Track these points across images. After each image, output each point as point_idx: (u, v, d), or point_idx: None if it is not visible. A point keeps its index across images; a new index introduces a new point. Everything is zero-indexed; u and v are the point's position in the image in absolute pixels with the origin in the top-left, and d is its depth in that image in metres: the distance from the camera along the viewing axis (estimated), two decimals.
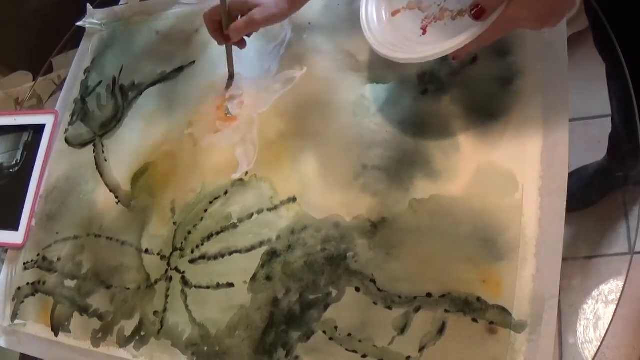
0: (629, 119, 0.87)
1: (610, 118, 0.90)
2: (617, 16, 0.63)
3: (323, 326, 0.56)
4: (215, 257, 0.65)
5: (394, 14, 0.59)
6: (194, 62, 0.80)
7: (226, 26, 0.68)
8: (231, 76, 0.75)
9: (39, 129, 0.87)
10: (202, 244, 0.66)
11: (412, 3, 0.59)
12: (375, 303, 0.55)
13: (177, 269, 0.67)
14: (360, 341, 0.54)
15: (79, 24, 0.93)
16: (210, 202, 0.68)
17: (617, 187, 0.98)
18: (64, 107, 0.89)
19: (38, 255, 0.78)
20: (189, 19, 0.85)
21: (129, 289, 0.69)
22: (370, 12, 0.60)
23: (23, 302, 0.77)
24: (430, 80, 0.63)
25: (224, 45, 0.72)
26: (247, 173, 0.68)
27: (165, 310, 0.65)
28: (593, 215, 0.99)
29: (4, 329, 0.76)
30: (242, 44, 0.71)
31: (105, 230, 0.74)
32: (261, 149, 0.69)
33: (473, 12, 0.47)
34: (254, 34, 0.75)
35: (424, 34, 0.56)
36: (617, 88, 0.81)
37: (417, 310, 0.53)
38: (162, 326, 0.65)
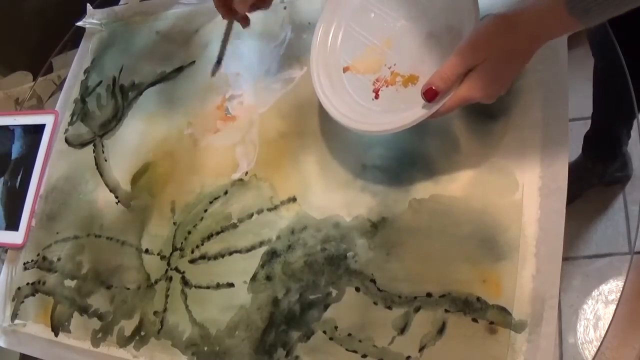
0: (610, 117, 0.88)
1: None
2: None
3: (323, 326, 0.56)
4: (215, 257, 0.65)
5: (345, 70, 0.59)
6: (194, 62, 0.80)
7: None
8: (219, 61, 0.74)
9: (39, 129, 0.87)
10: (202, 244, 0.66)
11: (365, 65, 0.58)
12: (375, 303, 0.55)
13: (177, 269, 0.67)
14: (360, 341, 0.54)
15: (79, 24, 0.93)
16: (210, 202, 0.68)
17: (592, 186, 0.98)
18: (64, 107, 0.89)
19: (38, 255, 0.78)
20: (189, 19, 0.85)
21: (129, 289, 0.69)
22: (322, 69, 0.60)
23: (23, 302, 0.77)
24: None
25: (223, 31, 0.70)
26: (247, 173, 0.68)
27: (165, 310, 0.65)
28: (593, 216, 0.99)
29: (4, 329, 0.76)
30: (245, 20, 0.69)
31: (105, 230, 0.74)
32: (261, 148, 0.69)
33: (426, 94, 0.48)
34: (252, 33, 0.75)
35: (376, 97, 0.56)
36: (607, 86, 0.81)
37: (417, 310, 0.53)
38: (162, 326, 0.65)
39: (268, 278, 0.61)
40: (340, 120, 0.56)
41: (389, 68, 0.57)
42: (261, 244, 0.63)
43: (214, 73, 0.75)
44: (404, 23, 0.57)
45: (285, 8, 0.77)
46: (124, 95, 0.84)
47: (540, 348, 0.48)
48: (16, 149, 0.88)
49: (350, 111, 0.56)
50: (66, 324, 0.72)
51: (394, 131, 0.52)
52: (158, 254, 0.69)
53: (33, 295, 0.76)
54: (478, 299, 0.51)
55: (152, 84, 0.82)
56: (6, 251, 0.82)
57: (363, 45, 0.59)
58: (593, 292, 0.82)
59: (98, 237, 0.74)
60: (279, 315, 0.59)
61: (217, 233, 0.66)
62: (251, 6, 0.65)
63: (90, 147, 0.82)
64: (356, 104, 0.57)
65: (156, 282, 0.67)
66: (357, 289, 0.56)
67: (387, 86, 0.56)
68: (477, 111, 0.59)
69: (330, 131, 0.65)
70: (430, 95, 0.48)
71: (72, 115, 0.87)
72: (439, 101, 0.49)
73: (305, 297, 0.58)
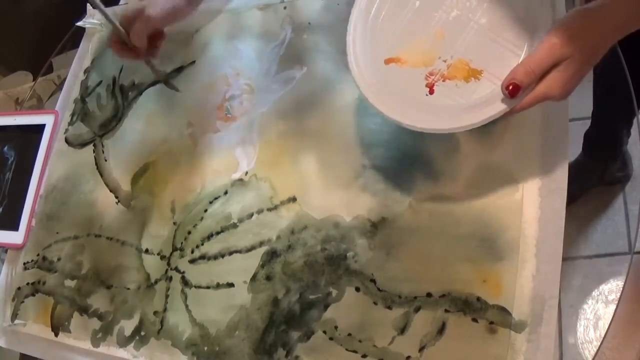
0: (610, 117, 0.87)
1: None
2: None
3: (323, 326, 0.56)
4: (215, 257, 0.65)
5: (387, 62, 0.53)
6: (194, 62, 0.80)
7: (127, 39, 0.64)
8: (166, 83, 0.74)
9: (39, 129, 0.87)
10: (202, 244, 0.66)
11: (414, 57, 0.52)
12: (375, 303, 0.55)
13: (177, 269, 0.67)
14: (360, 341, 0.54)
15: (79, 24, 0.93)
16: (210, 202, 0.68)
17: (592, 186, 0.98)
18: (64, 107, 0.89)
19: (38, 255, 0.78)
20: (188, 19, 0.84)
21: (129, 289, 0.69)
22: (362, 60, 0.53)
23: (23, 302, 0.77)
24: None
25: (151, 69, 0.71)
26: (247, 173, 0.68)
27: (165, 310, 0.65)
28: (593, 216, 0.99)
29: (4, 329, 0.76)
30: (153, 52, 0.67)
31: (105, 230, 0.74)
32: (261, 148, 0.69)
33: (509, 89, 0.46)
34: (252, 33, 0.75)
35: (430, 93, 0.51)
36: (608, 84, 0.81)
37: (417, 310, 0.53)
38: (162, 326, 0.65)
39: (268, 278, 0.61)
40: (393, 118, 0.50)
41: (445, 61, 0.51)
42: (261, 244, 0.63)
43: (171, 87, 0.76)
44: (458, 13, 0.52)
45: (285, 8, 0.77)
46: (124, 95, 0.84)
47: (540, 348, 0.48)
48: (16, 149, 0.88)
49: (403, 107, 0.51)
50: (66, 324, 0.72)
51: (466, 129, 0.48)
52: (158, 254, 0.69)
53: (33, 295, 0.76)
54: (478, 299, 0.51)
55: (152, 84, 0.82)
56: (6, 251, 0.82)
57: (409, 36, 0.53)
58: (593, 292, 0.81)
59: (98, 237, 0.74)
60: (279, 315, 0.59)
61: (217, 233, 0.66)
62: (150, 42, 0.65)
63: (90, 147, 0.82)
64: (407, 100, 0.51)
65: (156, 282, 0.67)
66: (357, 289, 0.56)
67: (443, 80, 0.51)
68: None
69: (330, 131, 0.65)
70: (513, 90, 0.46)
71: (72, 115, 0.87)
72: (520, 97, 0.46)
73: (305, 297, 0.58)
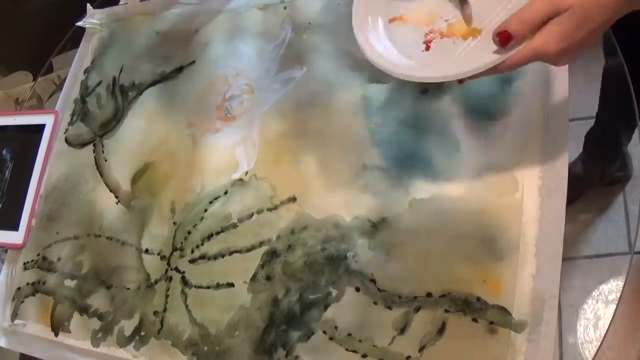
0: (616, 117, 0.87)
1: None
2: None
3: (323, 326, 0.56)
4: (215, 257, 0.65)
5: (391, 20, 0.55)
6: (194, 62, 0.80)
7: None
8: None
9: (39, 129, 0.87)
10: (202, 244, 0.66)
11: (417, 17, 0.54)
12: (375, 303, 0.55)
13: (177, 269, 0.67)
14: (360, 341, 0.54)
15: (79, 24, 0.93)
16: (210, 202, 0.68)
17: (592, 186, 0.98)
18: (64, 107, 0.89)
19: (38, 255, 0.78)
20: (188, 19, 0.85)
21: (129, 289, 0.69)
22: (364, 17, 0.55)
23: (23, 302, 0.77)
24: None
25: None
26: (247, 173, 0.68)
27: (165, 310, 0.65)
28: (593, 216, 0.99)
29: (4, 329, 0.76)
30: None
31: (105, 230, 0.74)
32: (261, 148, 0.69)
33: (499, 37, 0.44)
34: (252, 33, 0.75)
35: (427, 49, 0.52)
36: (613, 84, 0.81)
37: (417, 310, 0.53)
38: (162, 326, 0.65)
39: (268, 278, 0.61)
40: (382, 65, 0.51)
41: (446, 20, 0.52)
42: (261, 244, 0.63)
43: None
44: None
45: (285, 8, 0.77)
46: (124, 95, 0.84)
47: (540, 348, 0.48)
48: (16, 149, 0.89)
49: (396, 58, 0.51)
50: (66, 324, 0.72)
51: (453, 78, 0.47)
52: (158, 254, 0.69)
53: (33, 295, 0.76)
54: (478, 298, 0.51)
55: (152, 84, 0.82)
56: (6, 251, 0.82)
57: None
58: (593, 292, 0.81)
59: (98, 237, 0.74)
60: (279, 315, 0.59)
61: (217, 233, 0.66)
62: None
63: (90, 147, 0.82)
64: (402, 53, 0.52)
65: (156, 282, 0.67)
66: (357, 289, 0.56)
67: (441, 38, 0.51)
68: (477, 111, 0.59)
69: (330, 131, 0.65)
70: (504, 38, 0.44)
71: (72, 115, 0.87)
72: (511, 48, 0.44)
73: (305, 297, 0.58)
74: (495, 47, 0.45)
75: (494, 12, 0.49)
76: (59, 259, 0.76)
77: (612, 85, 0.82)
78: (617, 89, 0.81)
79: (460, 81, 0.49)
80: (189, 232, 0.68)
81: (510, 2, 0.48)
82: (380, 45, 0.53)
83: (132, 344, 0.66)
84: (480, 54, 0.47)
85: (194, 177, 0.71)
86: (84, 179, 0.80)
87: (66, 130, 0.86)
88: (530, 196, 0.53)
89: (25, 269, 0.79)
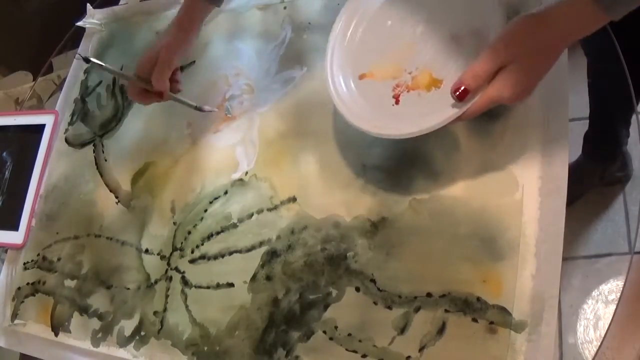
0: (609, 117, 0.88)
1: None
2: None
3: (323, 326, 0.56)
4: (215, 257, 0.65)
5: (361, 77, 0.58)
6: (194, 62, 0.80)
7: (148, 86, 0.64)
8: (200, 109, 0.71)
9: (39, 129, 0.87)
10: (202, 244, 0.66)
11: (383, 72, 0.57)
12: (375, 303, 0.55)
13: (177, 269, 0.67)
14: (360, 341, 0.54)
15: (79, 24, 0.93)
16: (210, 202, 0.68)
17: (592, 186, 0.98)
18: (64, 107, 0.89)
19: (38, 255, 0.78)
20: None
21: (129, 289, 0.69)
22: (337, 78, 0.58)
23: (23, 302, 0.77)
24: None
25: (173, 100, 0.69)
26: (247, 173, 0.68)
27: (165, 310, 0.65)
28: (593, 216, 0.99)
29: (4, 329, 0.76)
30: (175, 88, 0.68)
31: (105, 230, 0.74)
32: (261, 148, 0.69)
33: (457, 93, 0.48)
34: (252, 33, 0.75)
35: (396, 103, 0.55)
36: (604, 85, 0.81)
37: (417, 310, 0.53)
38: (162, 326, 0.65)
39: (268, 278, 0.61)
40: (361, 127, 0.54)
41: (410, 73, 0.56)
42: (261, 244, 0.63)
43: (207, 110, 0.73)
44: (423, 28, 0.57)
45: (285, 8, 0.77)
46: (124, 95, 0.84)
47: (540, 348, 0.47)
48: (16, 149, 0.89)
49: (371, 116, 0.55)
50: (66, 324, 0.72)
51: (420, 134, 0.51)
52: (158, 254, 0.69)
53: (33, 295, 0.76)
54: (478, 298, 0.51)
55: None
56: (6, 251, 0.82)
57: (381, 52, 0.58)
58: (593, 292, 0.81)
59: (98, 237, 0.74)
60: (279, 315, 0.59)
61: (217, 233, 0.66)
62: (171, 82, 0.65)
63: (90, 147, 0.82)
64: (375, 110, 0.56)
65: (156, 282, 0.67)
66: (357, 289, 0.56)
67: (408, 91, 0.55)
68: None
69: (330, 131, 0.65)
70: (461, 93, 0.48)
71: (72, 115, 0.87)
72: (469, 100, 0.48)
73: (305, 297, 0.58)
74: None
75: (451, 60, 0.54)
76: (59, 259, 0.76)
77: (601, 85, 0.82)
78: (606, 89, 0.81)
79: None
80: (189, 232, 0.68)
81: (466, 50, 0.53)
82: (355, 105, 0.57)
83: (132, 344, 0.66)
84: (443, 105, 0.51)
85: (194, 177, 0.71)
86: (84, 179, 0.80)
87: (66, 130, 0.86)
88: (530, 196, 0.53)
89: (25, 269, 0.79)
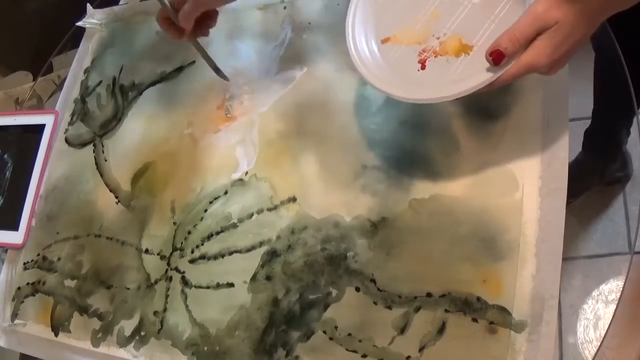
0: (610, 115, 0.88)
1: None
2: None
3: (323, 326, 0.56)
4: (215, 257, 0.65)
5: (384, 41, 0.56)
6: (194, 62, 0.80)
7: (175, 17, 0.62)
8: (217, 70, 0.70)
9: (39, 129, 0.87)
10: (202, 244, 0.66)
11: (409, 36, 0.55)
12: (375, 303, 0.55)
13: (177, 269, 0.67)
14: (360, 341, 0.54)
15: (79, 24, 0.93)
16: (210, 202, 0.68)
17: (592, 185, 0.98)
18: (64, 107, 0.89)
19: (38, 255, 0.78)
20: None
21: (129, 289, 0.69)
22: (359, 42, 0.56)
23: (23, 302, 0.77)
24: None
25: (200, 49, 0.69)
26: (247, 173, 0.68)
27: (165, 310, 0.65)
28: (593, 216, 0.99)
29: (4, 329, 0.76)
30: (204, 32, 0.66)
31: (105, 230, 0.74)
32: (261, 148, 0.69)
33: (492, 56, 0.46)
34: (252, 33, 0.75)
35: (422, 69, 0.53)
36: (607, 82, 0.81)
37: (417, 310, 0.53)
38: (162, 326, 0.65)
39: (268, 278, 0.61)
40: (390, 92, 0.52)
41: (438, 38, 0.53)
42: (261, 244, 0.63)
43: (226, 79, 0.71)
44: None
45: (285, 8, 0.77)
46: (124, 95, 0.84)
47: (540, 348, 0.48)
48: (16, 149, 0.88)
49: (397, 82, 0.52)
50: (66, 324, 0.72)
51: (452, 98, 0.49)
52: (158, 254, 0.69)
53: (33, 295, 0.76)
54: (478, 299, 0.51)
55: (152, 84, 0.82)
56: (6, 251, 0.82)
57: (408, 16, 0.55)
58: (593, 292, 0.82)
59: (98, 237, 0.74)
60: (279, 315, 0.59)
61: (217, 233, 0.66)
62: (196, 23, 0.63)
63: (90, 147, 0.82)
64: (400, 75, 0.53)
65: (156, 282, 0.67)
66: (357, 289, 0.56)
67: (435, 57, 0.52)
68: (477, 111, 0.59)
69: (330, 131, 0.65)
70: (497, 57, 0.45)
71: (72, 115, 0.87)
72: (504, 66, 0.46)
73: (305, 297, 0.58)
74: (487, 64, 0.47)
75: (483, 28, 0.51)
76: (59, 259, 0.76)
77: (604, 82, 0.82)
78: (609, 86, 0.81)
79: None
80: (189, 232, 0.68)
81: (498, 17, 0.51)
82: (377, 67, 0.54)
83: (132, 344, 0.66)
84: (474, 71, 0.48)
85: (194, 177, 0.71)
86: (84, 178, 0.80)
87: (66, 130, 0.86)
88: (530, 196, 0.53)
89: (25, 269, 0.79)
